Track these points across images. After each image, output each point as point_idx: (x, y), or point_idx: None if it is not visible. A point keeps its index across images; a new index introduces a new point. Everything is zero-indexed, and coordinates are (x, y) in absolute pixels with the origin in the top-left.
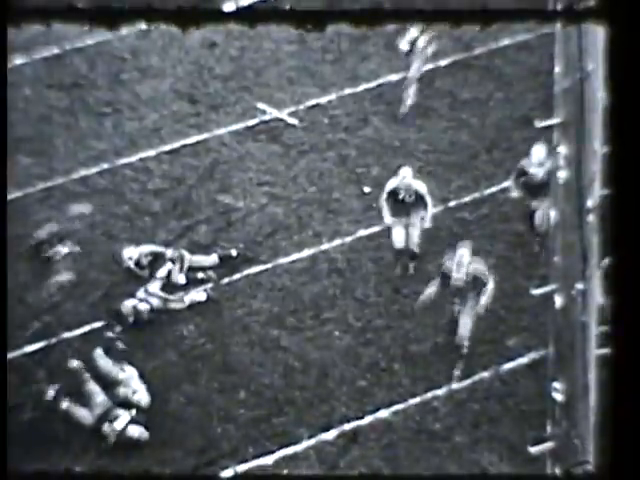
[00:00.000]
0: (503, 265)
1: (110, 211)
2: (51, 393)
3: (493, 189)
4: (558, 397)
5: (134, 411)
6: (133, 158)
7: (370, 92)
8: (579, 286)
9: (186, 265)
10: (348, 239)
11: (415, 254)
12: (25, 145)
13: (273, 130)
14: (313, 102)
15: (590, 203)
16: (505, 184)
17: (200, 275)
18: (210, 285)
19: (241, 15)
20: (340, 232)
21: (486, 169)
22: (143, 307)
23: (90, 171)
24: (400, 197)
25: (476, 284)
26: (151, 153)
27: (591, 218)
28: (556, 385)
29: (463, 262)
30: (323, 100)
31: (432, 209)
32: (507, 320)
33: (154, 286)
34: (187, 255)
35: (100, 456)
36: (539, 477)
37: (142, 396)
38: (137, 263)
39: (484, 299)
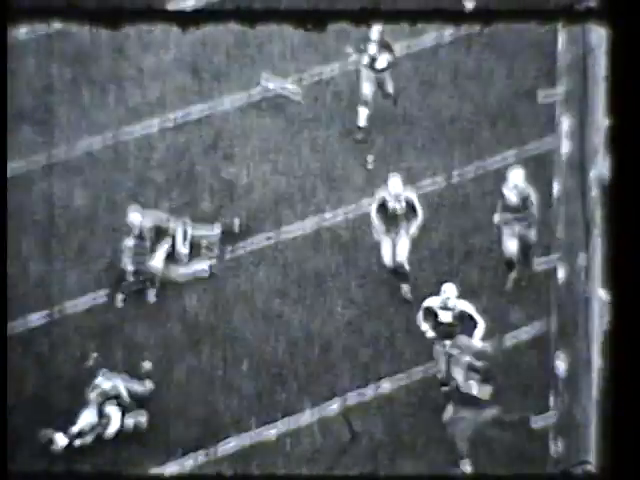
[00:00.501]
0: None
1: (113, 183)
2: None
3: (496, 162)
4: (561, 370)
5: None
6: (137, 128)
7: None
8: (581, 259)
9: (189, 237)
10: (351, 211)
11: (406, 274)
12: (28, 117)
13: (276, 102)
14: (317, 74)
15: (593, 175)
16: (509, 157)
17: (203, 247)
18: (213, 257)
19: (241, 15)
20: (343, 204)
21: (489, 142)
22: (143, 259)
23: (93, 143)
24: (390, 208)
25: (461, 321)
26: (154, 125)
27: (594, 191)
28: (559, 358)
29: (449, 299)
30: (327, 70)
31: (422, 217)
32: (510, 293)
33: (157, 256)
34: (190, 227)
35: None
36: (539, 477)
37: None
38: (140, 235)
39: (478, 335)
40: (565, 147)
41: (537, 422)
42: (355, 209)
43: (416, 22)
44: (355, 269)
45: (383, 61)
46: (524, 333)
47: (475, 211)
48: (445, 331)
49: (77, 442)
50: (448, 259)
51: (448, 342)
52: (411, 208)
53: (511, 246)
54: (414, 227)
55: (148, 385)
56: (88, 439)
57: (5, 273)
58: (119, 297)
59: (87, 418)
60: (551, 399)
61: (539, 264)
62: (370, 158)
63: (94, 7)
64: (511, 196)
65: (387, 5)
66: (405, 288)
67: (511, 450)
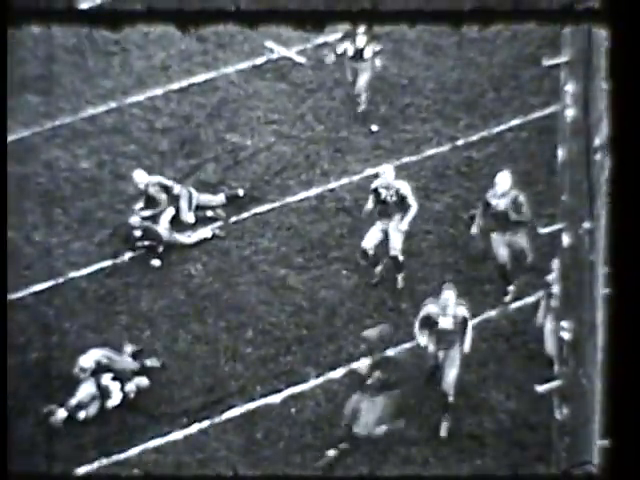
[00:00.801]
0: None
1: (118, 150)
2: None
3: (500, 128)
4: (565, 336)
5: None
6: (141, 97)
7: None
8: (586, 225)
9: (194, 204)
10: (355, 178)
11: (400, 263)
12: (33, 84)
13: (281, 68)
14: (321, 40)
15: (597, 141)
16: (513, 122)
17: (209, 213)
18: (218, 223)
19: (241, 15)
20: (348, 171)
21: (493, 108)
22: (149, 224)
23: (98, 110)
24: (382, 197)
25: (462, 327)
26: (159, 92)
27: (598, 156)
28: (564, 324)
29: (449, 305)
30: (330, 38)
31: (415, 212)
32: (515, 259)
33: (162, 222)
34: (195, 193)
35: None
36: (539, 477)
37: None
38: (147, 200)
39: (467, 342)
40: (570, 113)
41: (542, 389)
42: (359, 175)
43: (416, 22)
44: (359, 236)
45: (369, 51)
46: (529, 299)
47: (479, 177)
48: (445, 339)
49: (81, 415)
50: (452, 225)
51: (442, 354)
52: (402, 200)
53: (503, 252)
54: (407, 220)
55: (133, 364)
56: (91, 411)
57: (5, 245)
58: (126, 257)
59: (85, 390)
60: (556, 365)
61: (544, 230)
62: (374, 126)
63: (94, 8)
64: (500, 203)
65: (386, 5)
66: (399, 277)
67: (516, 417)
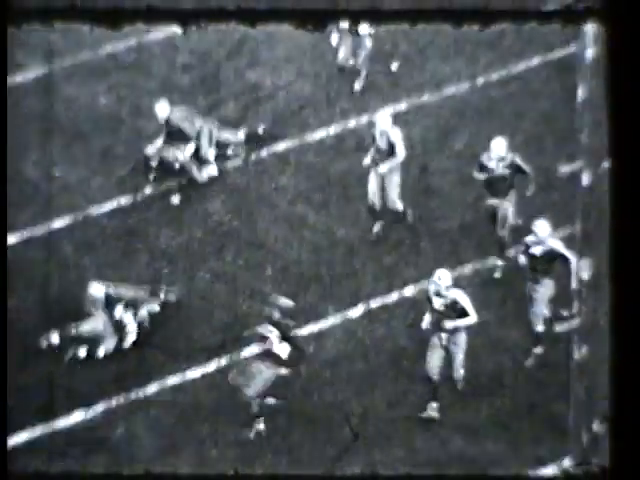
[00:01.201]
0: (531, 143)
1: (137, 87)
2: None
3: (521, 66)
4: (585, 275)
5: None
6: (161, 33)
7: None
8: (605, 164)
9: (214, 139)
10: (375, 116)
11: (401, 213)
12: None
13: None
14: None
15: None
16: (534, 61)
17: (229, 151)
18: (238, 161)
19: (242, 15)
20: (367, 109)
21: (514, 46)
22: (167, 153)
23: (117, 46)
24: (377, 144)
25: (452, 310)
26: (179, 28)
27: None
28: (583, 263)
29: (440, 286)
30: None
31: (400, 160)
32: (535, 198)
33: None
34: (215, 130)
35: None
36: (539, 477)
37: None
38: (168, 134)
39: (458, 324)
40: (590, 52)
41: (560, 328)
42: (379, 113)
43: (416, 22)
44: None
45: (365, 27)
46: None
47: (499, 116)
48: (438, 319)
49: (100, 352)
50: (471, 164)
51: (444, 335)
52: (393, 148)
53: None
54: (388, 165)
55: (141, 291)
56: (109, 346)
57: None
58: (145, 194)
59: (91, 324)
60: (575, 304)
61: (564, 170)
62: (394, 65)
63: (95, 7)
64: (498, 168)
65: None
66: (409, 214)
67: (535, 357)
